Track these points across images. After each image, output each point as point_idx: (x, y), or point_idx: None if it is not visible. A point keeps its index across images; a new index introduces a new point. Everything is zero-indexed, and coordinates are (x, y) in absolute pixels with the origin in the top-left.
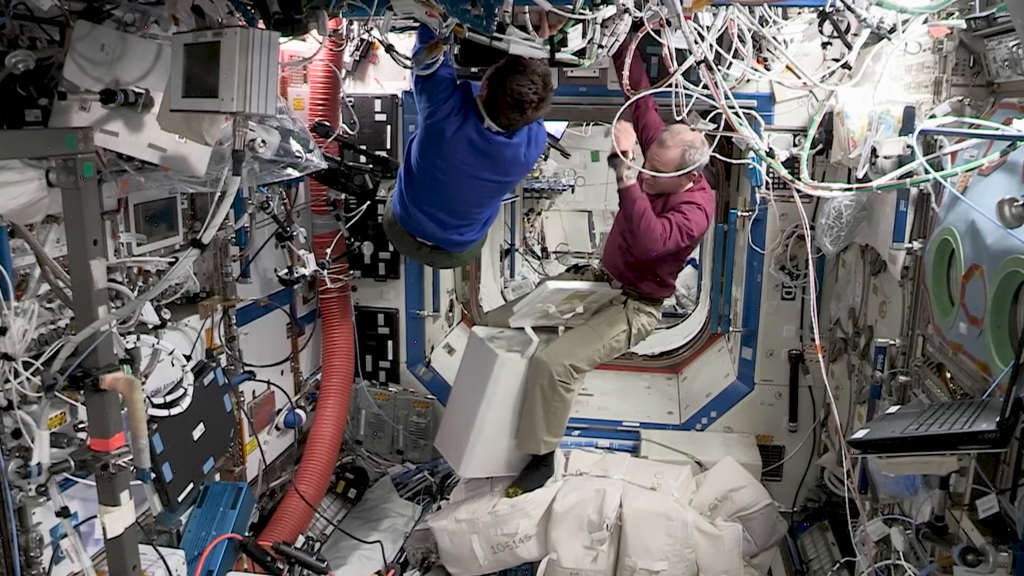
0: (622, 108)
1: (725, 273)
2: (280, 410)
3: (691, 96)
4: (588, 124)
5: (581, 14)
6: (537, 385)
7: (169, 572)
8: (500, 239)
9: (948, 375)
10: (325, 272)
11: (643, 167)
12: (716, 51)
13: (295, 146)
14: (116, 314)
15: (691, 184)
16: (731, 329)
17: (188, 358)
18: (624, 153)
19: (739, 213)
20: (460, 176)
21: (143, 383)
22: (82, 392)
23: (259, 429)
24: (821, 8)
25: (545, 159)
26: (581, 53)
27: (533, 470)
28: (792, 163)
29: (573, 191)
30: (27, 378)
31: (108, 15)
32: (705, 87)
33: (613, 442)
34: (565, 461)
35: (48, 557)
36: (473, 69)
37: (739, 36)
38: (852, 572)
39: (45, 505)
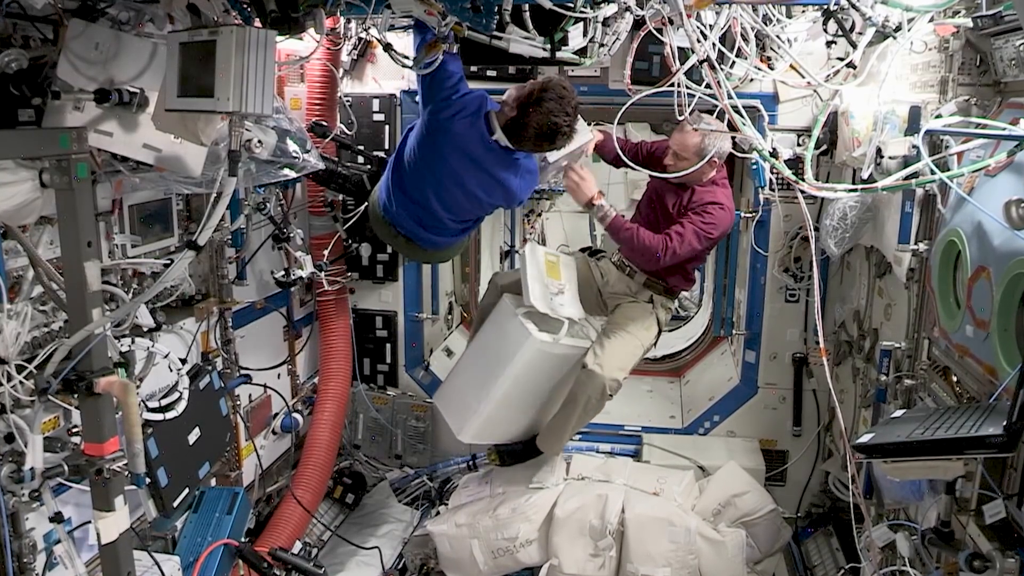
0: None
1: (728, 275)
2: (277, 414)
3: (694, 96)
4: (589, 124)
5: (582, 12)
6: (585, 395)
7: None
8: (500, 240)
9: (954, 379)
10: (322, 274)
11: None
12: (719, 50)
13: (292, 146)
14: (110, 317)
15: (713, 173)
16: (734, 332)
17: (183, 361)
18: (594, 198)
19: (742, 214)
20: (447, 180)
21: (138, 387)
22: (76, 396)
23: (255, 433)
24: (825, 6)
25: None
26: (582, 52)
27: (525, 453)
28: (796, 163)
29: None
30: (20, 382)
31: (102, 13)
32: (708, 86)
33: (615, 446)
34: (567, 466)
35: (42, 563)
36: (472, 68)
37: (742, 35)
38: None
39: (38, 510)
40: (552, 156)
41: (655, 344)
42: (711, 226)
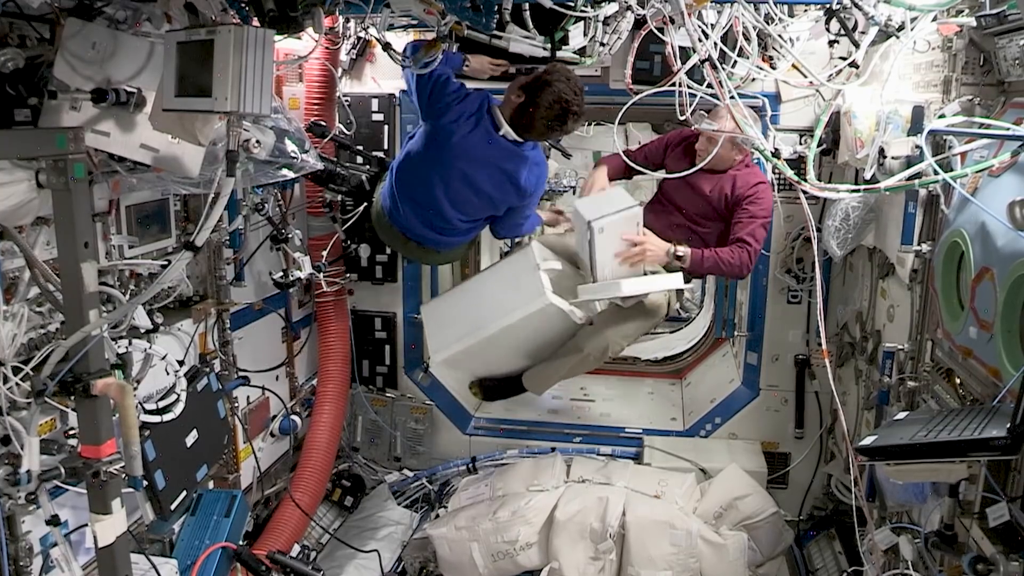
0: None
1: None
2: (275, 416)
3: (695, 95)
4: (590, 124)
5: (583, 11)
6: (587, 349)
7: None
8: (500, 241)
9: (957, 381)
10: (321, 275)
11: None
12: (721, 49)
13: (290, 146)
14: (107, 318)
15: (742, 157)
16: (736, 333)
17: (181, 363)
18: (671, 251)
19: None
20: (457, 182)
21: (135, 389)
22: (73, 398)
23: (253, 436)
24: (828, 5)
25: (547, 158)
26: (583, 51)
27: (510, 389)
28: (798, 163)
29: (575, 192)
30: (16, 383)
31: (99, 12)
32: (709, 86)
33: (616, 449)
34: (567, 468)
35: (38, 566)
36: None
37: (744, 34)
38: None
39: (35, 513)
40: (600, 223)
41: (656, 326)
42: (766, 209)
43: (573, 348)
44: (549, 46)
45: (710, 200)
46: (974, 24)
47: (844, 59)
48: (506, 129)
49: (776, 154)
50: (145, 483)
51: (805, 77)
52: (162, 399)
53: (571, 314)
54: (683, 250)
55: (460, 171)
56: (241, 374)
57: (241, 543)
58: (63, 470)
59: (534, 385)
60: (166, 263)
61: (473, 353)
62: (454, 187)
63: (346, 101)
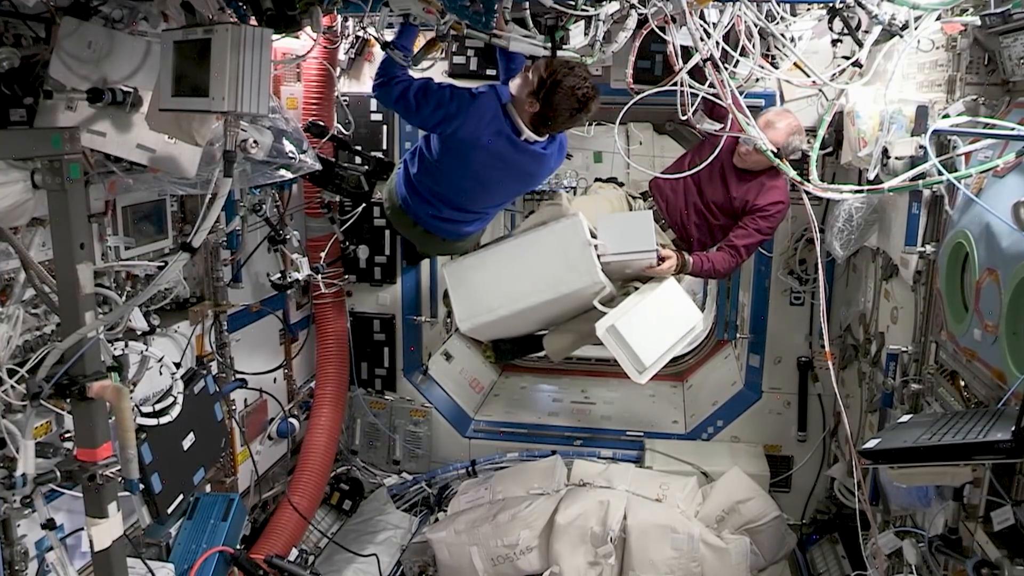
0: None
1: (732, 277)
2: (273, 419)
3: (697, 95)
4: (590, 124)
5: (584, 10)
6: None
7: None
8: (500, 222)
9: (962, 383)
10: (319, 276)
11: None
12: (723, 48)
13: (288, 147)
14: (103, 320)
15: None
16: (738, 335)
17: (178, 365)
18: (677, 264)
19: None
20: (480, 184)
21: (131, 391)
22: (68, 400)
23: (251, 439)
24: (831, 4)
25: None
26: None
27: (524, 349)
28: (801, 164)
29: (575, 192)
30: (11, 386)
31: (95, 11)
32: (711, 86)
33: (617, 452)
34: (568, 471)
35: (34, 571)
36: (472, 67)
37: (746, 33)
38: None
39: (30, 517)
40: (618, 257)
41: None
42: (772, 227)
43: (597, 317)
44: (550, 45)
45: (733, 200)
46: (978, 23)
47: (847, 58)
48: (528, 134)
49: (778, 154)
50: (141, 486)
51: (808, 76)
52: (159, 402)
53: (610, 291)
54: (690, 258)
55: (485, 176)
56: (238, 376)
57: (238, 547)
58: (59, 473)
59: (554, 350)
60: (163, 264)
61: (500, 323)
62: (478, 190)
63: (344, 101)
